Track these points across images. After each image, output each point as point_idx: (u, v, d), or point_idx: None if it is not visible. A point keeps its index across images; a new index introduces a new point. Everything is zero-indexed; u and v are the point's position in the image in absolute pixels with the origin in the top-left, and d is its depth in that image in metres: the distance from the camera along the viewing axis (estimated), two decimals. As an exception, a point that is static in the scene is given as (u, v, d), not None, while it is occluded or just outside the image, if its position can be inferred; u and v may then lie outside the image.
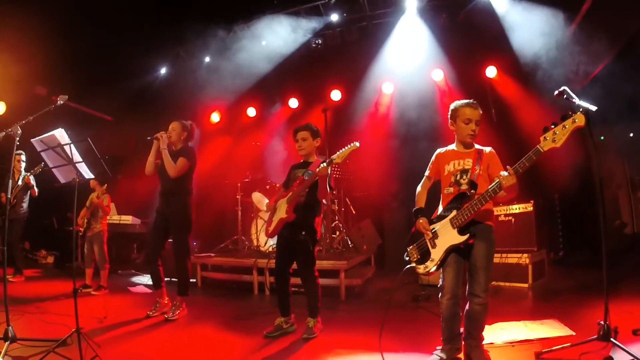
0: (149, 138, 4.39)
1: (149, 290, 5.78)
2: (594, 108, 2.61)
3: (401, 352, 3.16)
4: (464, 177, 2.80)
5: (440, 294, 2.82)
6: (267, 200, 6.42)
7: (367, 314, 4.44)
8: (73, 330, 3.02)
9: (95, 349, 2.97)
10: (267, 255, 5.72)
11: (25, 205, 6.23)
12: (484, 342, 2.87)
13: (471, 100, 2.88)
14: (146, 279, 6.54)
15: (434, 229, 2.83)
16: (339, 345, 3.36)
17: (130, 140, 9.41)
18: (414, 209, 3.00)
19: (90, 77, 7.48)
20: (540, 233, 5.34)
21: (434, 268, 2.79)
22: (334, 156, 3.37)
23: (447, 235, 2.76)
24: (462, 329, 2.86)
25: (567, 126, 2.41)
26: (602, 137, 6.26)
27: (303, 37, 7.91)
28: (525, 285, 5.07)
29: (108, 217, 6.16)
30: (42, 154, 3.53)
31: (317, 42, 8.30)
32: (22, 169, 6.09)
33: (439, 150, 3.05)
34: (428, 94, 7.32)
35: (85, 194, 5.84)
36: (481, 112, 2.86)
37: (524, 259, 5.09)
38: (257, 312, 4.63)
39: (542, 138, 2.47)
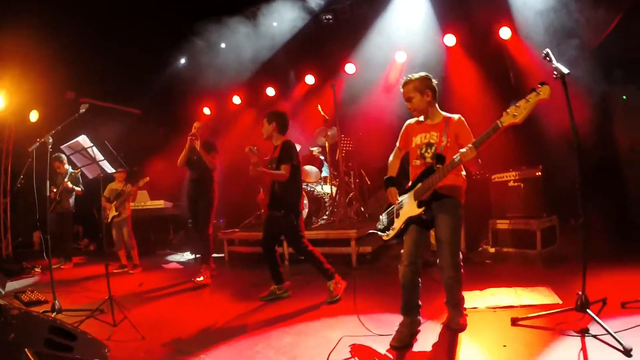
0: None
1: (180, 266, 6.48)
2: (566, 71, 2.65)
3: (380, 313, 3.39)
4: (429, 150, 2.83)
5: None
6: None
7: (374, 279, 4.77)
8: (106, 298, 3.61)
9: (124, 312, 3.54)
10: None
11: (71, 201, 6.87)
12: (467, 306, 3.01)
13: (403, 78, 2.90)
14: (179, 257, 7.25)
15: (401, 200, 2.92)
16: (325, 309, 3.75)
17: (159, 130, 10.01)
18: (385, 177, 3.04)
19: (115, 77, 8.01)
20: (547, 199, 5.08)
21: (393, 236, 2.92)
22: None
23: (408, 207, 2.83)
24: (420, 303, 2.91)
25: (530, 100, 2.32)
26: (624, 97, 5.91)
27: (313, 14, 8.02)
28: (534, 251, 4.90)
29: (144, 203, 6.83)
30: (72, 156, 4.27)
31: (327, 17, 8.35)
32: (68, 169, 6.73)
33: (408, 122, 3.04)
34: (440, 61, 7.25)
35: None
36: (412, 84, 2.84)
37: (532, 225, 4.92)
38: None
39: (504, 112, 2.39)
